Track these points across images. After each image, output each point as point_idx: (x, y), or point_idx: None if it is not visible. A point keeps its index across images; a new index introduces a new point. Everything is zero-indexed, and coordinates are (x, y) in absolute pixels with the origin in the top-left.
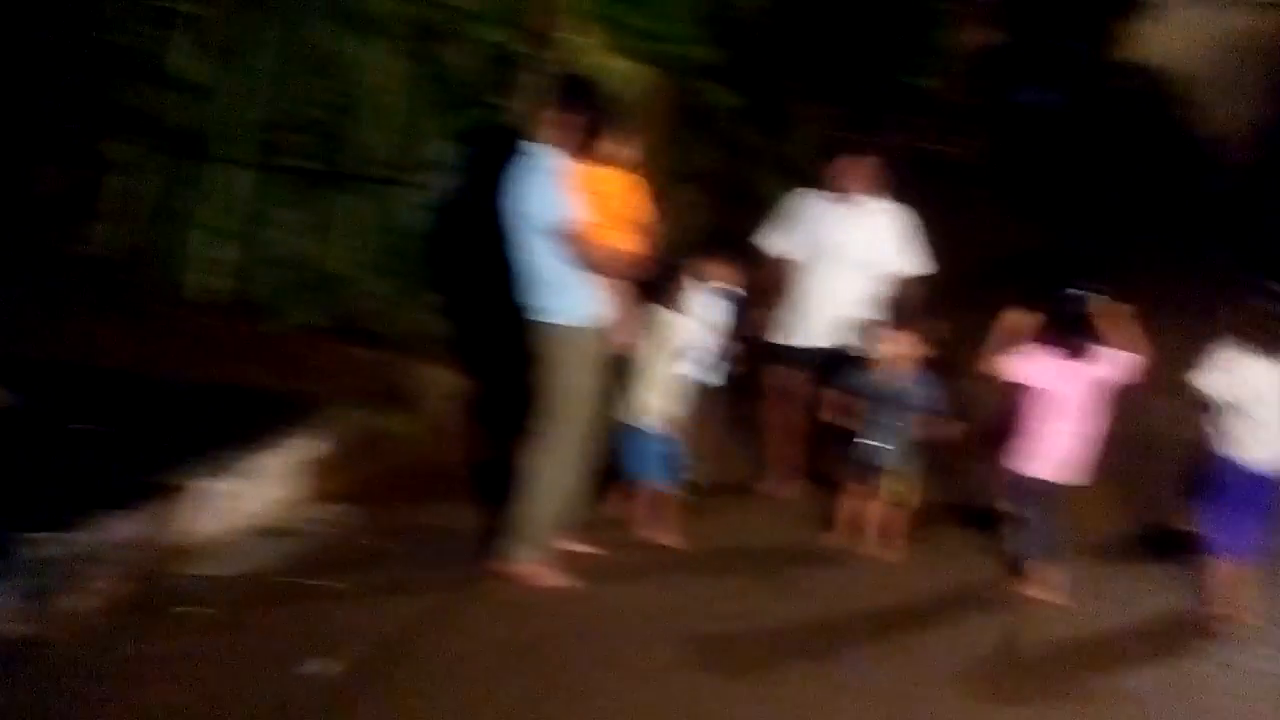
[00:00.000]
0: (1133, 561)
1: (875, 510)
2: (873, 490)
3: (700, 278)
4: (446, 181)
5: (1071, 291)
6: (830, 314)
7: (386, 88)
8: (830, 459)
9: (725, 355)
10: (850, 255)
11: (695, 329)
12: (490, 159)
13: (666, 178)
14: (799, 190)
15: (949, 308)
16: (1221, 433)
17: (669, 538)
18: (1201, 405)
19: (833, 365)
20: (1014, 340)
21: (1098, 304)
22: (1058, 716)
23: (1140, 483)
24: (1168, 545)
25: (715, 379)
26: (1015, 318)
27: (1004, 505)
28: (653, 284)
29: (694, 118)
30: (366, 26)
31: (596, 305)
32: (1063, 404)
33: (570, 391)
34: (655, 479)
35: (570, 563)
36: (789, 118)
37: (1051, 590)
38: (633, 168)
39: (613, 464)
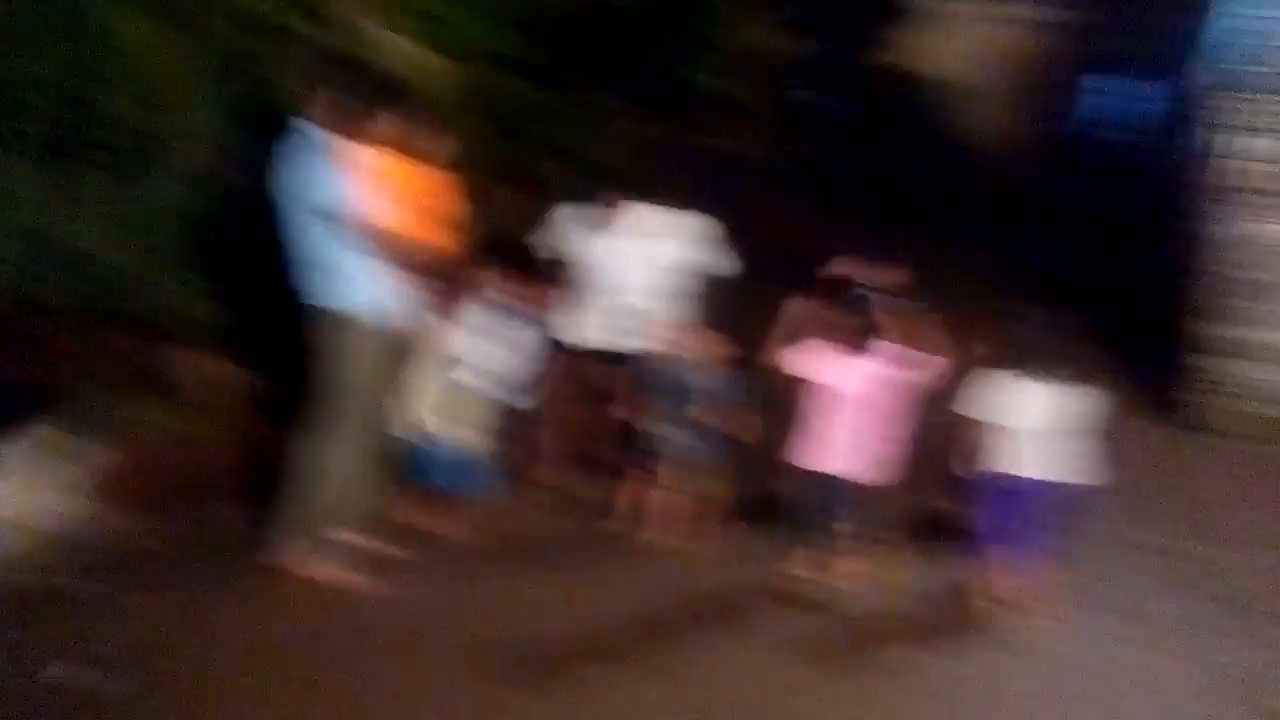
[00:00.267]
0: (913, 547)
1: (672, 500)
2: (665, 480)
3: (479, 288)
4: (212, 157)
5: (856, 288)
6: (618, 311)
7: (143, 54)
8: (621, 451)
9: (525, 375)
10: (638, 254)
11: (475, 340)
12: (261, 135)
13: (464, 171)
14: (584, 192)
15: (742, 303)
16: (991, 449)
17: (451, 532)
18: (965, 420)
19: (621, 362)
20: (798, 333)
21: (884, 302)
22: (858, 696)
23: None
24: (942, 532)
25: (517, 400)
26: (797, 309)
27: (788, 495)
28: (440, 287)
29: (494, 111)
30: None
31: (379, 294)
32: (843, 399)
33: (347, 381)
34: (441, 485)
35: (352, 559)
36: (592, 113)
37: (840, 577)
38: (443, 163)
39: (402, 468)
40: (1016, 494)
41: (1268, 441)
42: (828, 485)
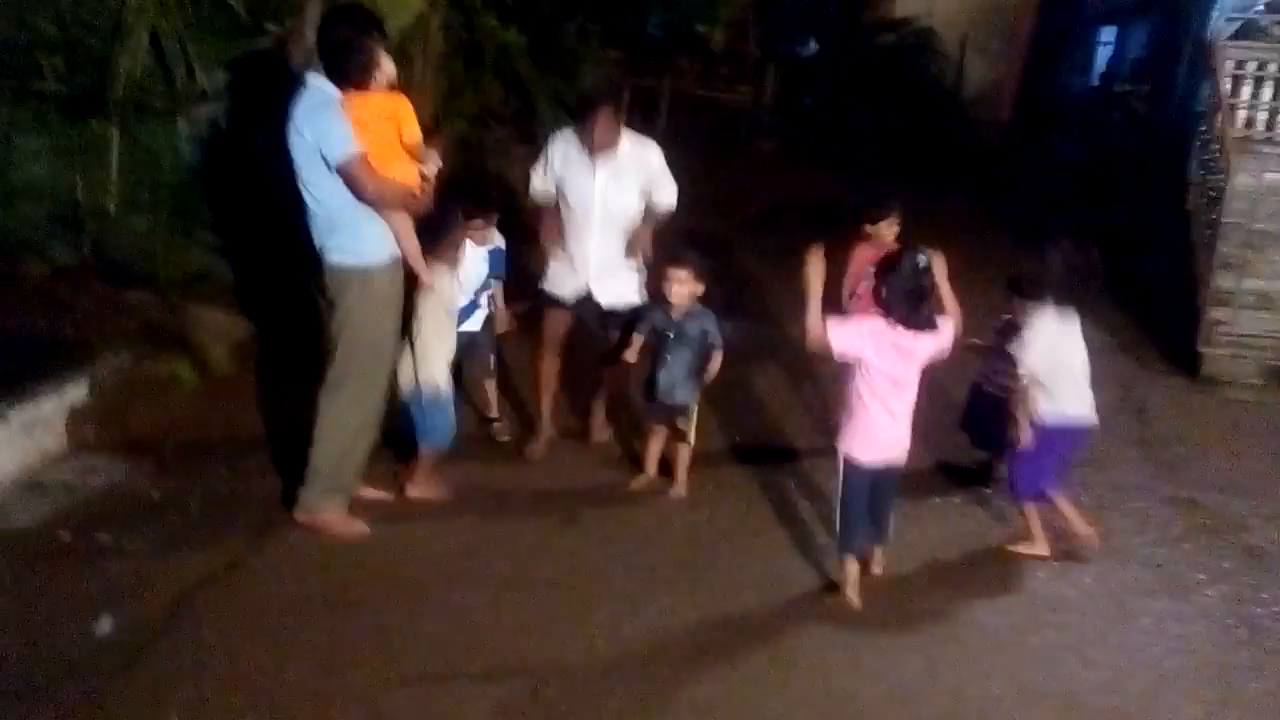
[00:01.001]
0: (945, 494)
1: (670, 448)
2: (671, 427)
3: (466, 229)
4: (220, 112)
5: (911, 254)
6: (596, 261)
7: (150, 11)
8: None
9: (497, 308)
10: (612, 203)
11: (466, 282)
12: (270, 90)
13: (443, 112)
14: (560, 133)
15: (740, 249)
16: (1032, 389)
17: (438, 492)
18: (1001, 358)
19: (607, 313)
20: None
21: (933, 263)
22: (904, 642)
23: (937, 422)
24: (972, 478)
25: (488, 331)
26: (817, 264)
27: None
28: (428, 232)
29: (475, 52)
30: None
31: (389, 244)
32: (899, 381)
33: (365, 334)
34: (431, 441)
35: (370, 509)
36: (573, 57)
37: (874, 564)
38: (401, 91)
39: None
40: (1059, 435)
41: (1271, 390)
42: (880, 478)
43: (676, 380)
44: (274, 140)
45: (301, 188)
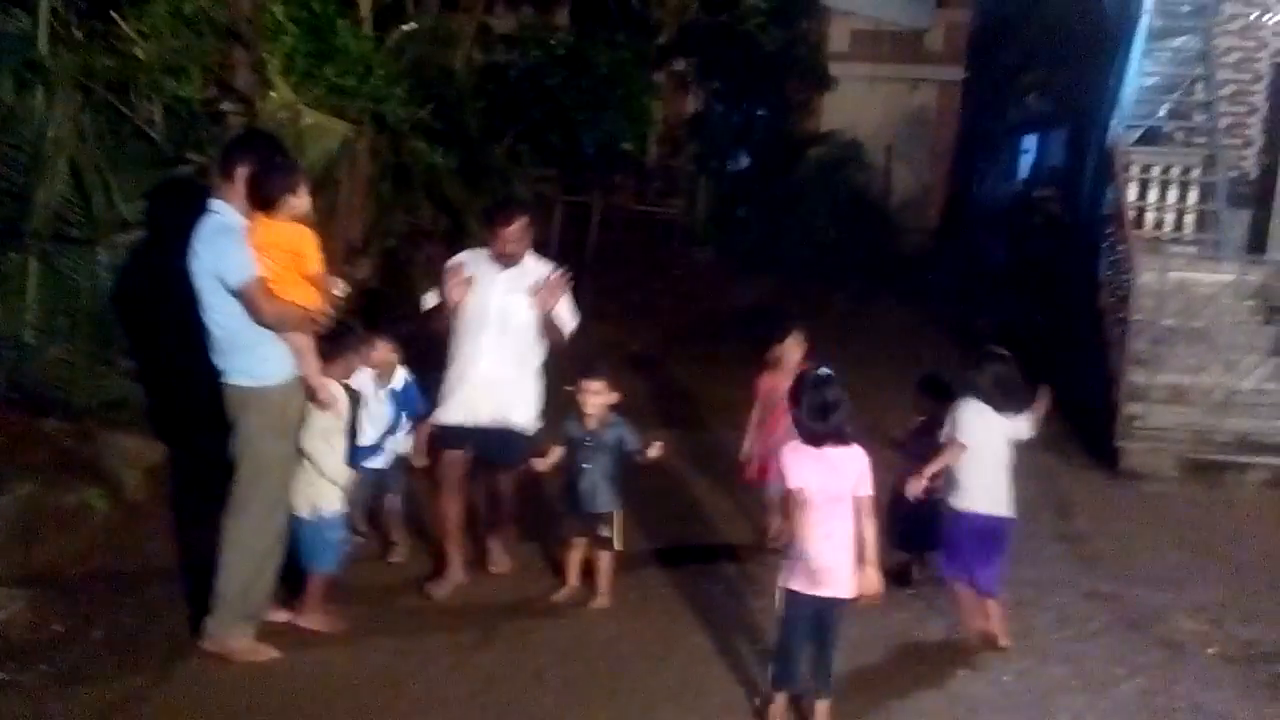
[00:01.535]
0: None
1: (592, 556)
2: (592, 536)
3: (366, 356)
4: (137, 241)
5: (812, 370)
6: (495, 381)
7: (69, 143)
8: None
9: (399, 441)
10: (510, 314)
11: (372, 423)
12: (190, 218)
13: (371, 233)
14: (464, 252)
15: (674, 357)
16: (956, 485)
17: (330, 625)
18: (950, 453)
19: (501, 438)
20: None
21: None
22: None
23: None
24: (907, 577)
25: (391, 464)
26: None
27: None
28: (327, 353)
29: (403, 174)
30: (48, 78)
31: (288, 364)
32: (833, 500)
33: (265, 456)
34: (317, 565)
35: (281, 632)
36: (502, 177)
37: None
38: (307, 220)
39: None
40: (985, 530)
41: (1192, 483)
42: (827, 614)
43: (597, 486)
44: (183, 265)
45: (201, 312)
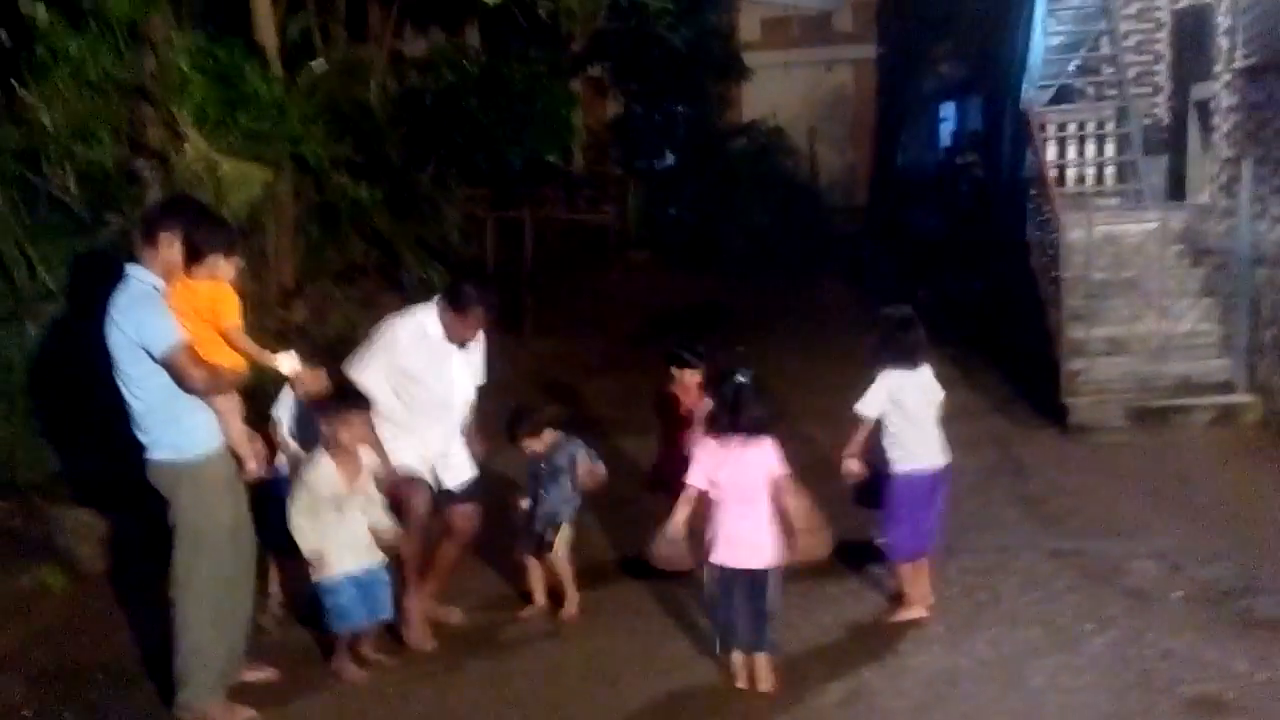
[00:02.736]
0: (840, 581)
1: (550, 572)
2: (541, 549)
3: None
4: (61, 312)
5: (730, 374)
6: (440, 449)
7: None
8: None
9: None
10: (466, 393)
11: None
12: (110, 283)
13: (304, 274)
14: (406, 317)
15: (623, 363)
16: (889, 447)
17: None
18: (861, 427)
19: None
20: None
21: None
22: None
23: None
24: (862, 556)
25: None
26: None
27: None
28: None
29: (330, 212)
30: None
31: (214, 433)
32: (745, 496)
33: (202, 528)
34: (332, 625)
35: (257, 690)
36: (430, 203)
37: (759, 679)
38: (227, 278)
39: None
40: (919, 484)
41: (1139, 430)
42: (747, 584)
43: (556, 508)
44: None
45: (120, 383)
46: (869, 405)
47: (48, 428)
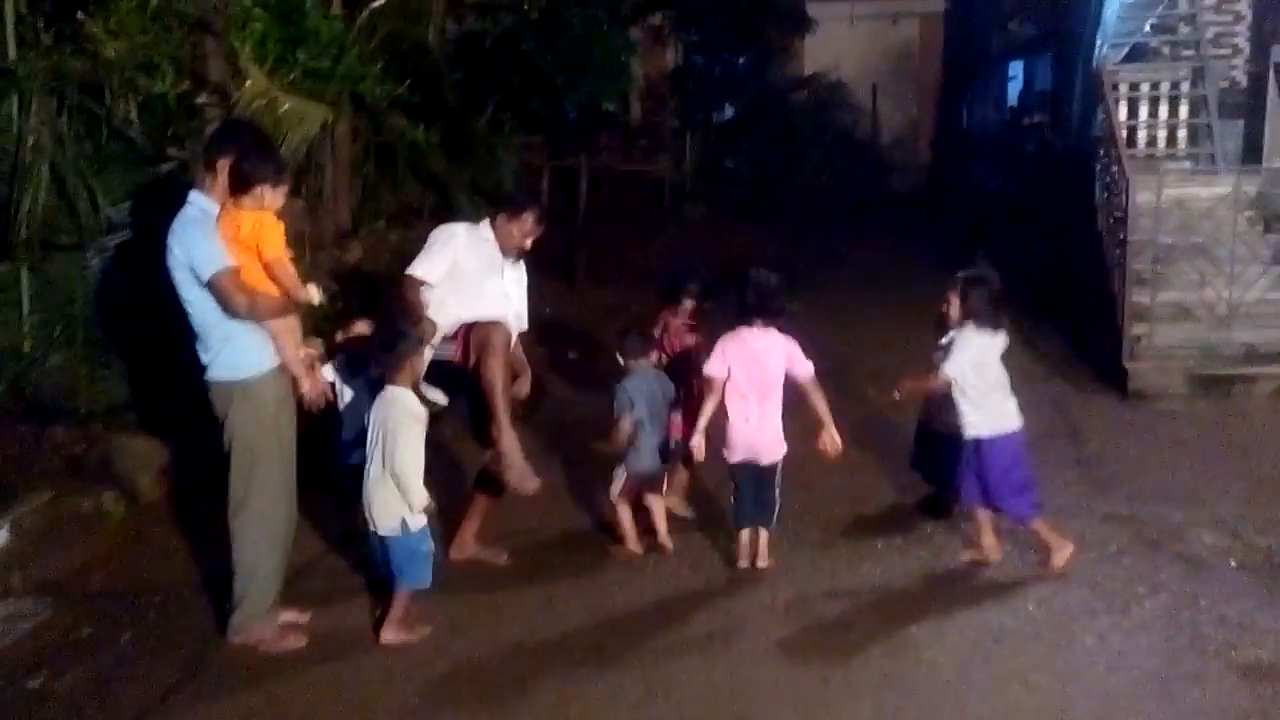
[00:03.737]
0: (887, 535)
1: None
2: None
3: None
4: (125, 242)
5: (759, 268)
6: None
7: (49, 149)
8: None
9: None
10: (516, 306)
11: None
12: (170, 215)
13: (359, 216)
14: (459, 226)
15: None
16: (968, 411)
17: (414, 634)
18: (938, 382)
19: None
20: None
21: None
22: (853, 686)
23: (886, 460)
24: (934, 509)
25: None
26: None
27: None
28: (390, 363)
29: (387, 153)
30: (19, 85)
31: (269, 354)
32: (757, 388)
33: (256, 448)
34: (411, 580)
35: (296, 623)
36: (486, 147)
37: (759, 555)
38: (273, 208)
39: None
40: (992, 447)
41: (1201, 398)
42: (757, 473)
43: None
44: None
45: (183, 305)
46: (955, 366)
47: (110, 358)
